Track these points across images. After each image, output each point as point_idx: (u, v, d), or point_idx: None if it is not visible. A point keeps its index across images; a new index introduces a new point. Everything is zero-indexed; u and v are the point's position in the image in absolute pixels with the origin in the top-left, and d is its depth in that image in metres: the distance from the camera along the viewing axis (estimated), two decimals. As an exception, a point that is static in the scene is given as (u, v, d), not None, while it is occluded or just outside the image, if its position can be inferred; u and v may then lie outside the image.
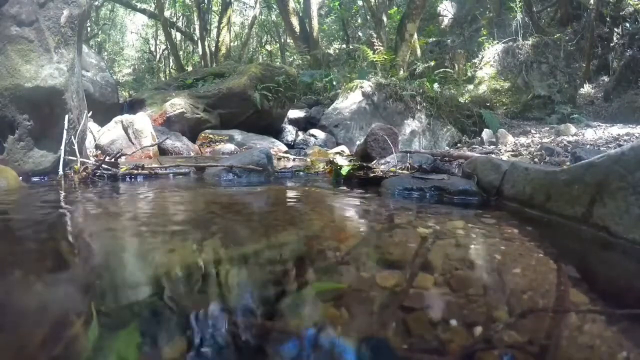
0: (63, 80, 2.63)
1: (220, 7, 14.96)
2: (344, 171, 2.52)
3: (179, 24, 17.53)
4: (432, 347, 0.65)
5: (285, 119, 7.85)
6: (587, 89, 9.55)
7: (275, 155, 4.37)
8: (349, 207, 1.89)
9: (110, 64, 17.76)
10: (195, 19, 15.94)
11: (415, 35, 10.38)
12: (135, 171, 2.67)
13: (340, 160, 2.87)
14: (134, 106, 6.41)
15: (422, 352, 0.64)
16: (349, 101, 7.32)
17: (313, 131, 7.14)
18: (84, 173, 2.53)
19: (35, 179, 2.60)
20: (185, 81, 7.55)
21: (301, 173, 3.02)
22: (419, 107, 7.16)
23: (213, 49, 14.57)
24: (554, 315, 0.74)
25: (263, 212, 1.80)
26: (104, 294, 0.87)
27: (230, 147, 5.42)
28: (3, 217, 1.64)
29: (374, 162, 3.14)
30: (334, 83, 9.61)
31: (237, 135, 5.98)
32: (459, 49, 11.54)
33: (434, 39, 12.73)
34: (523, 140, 5.80)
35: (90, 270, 1.02)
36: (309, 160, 4.17)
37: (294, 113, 8.25)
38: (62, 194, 2.18)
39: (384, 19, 11.83)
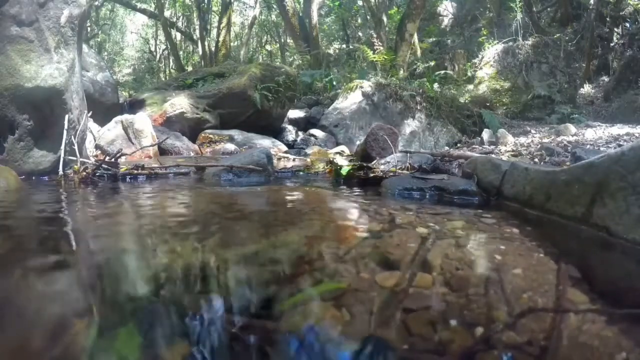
0: (63, 80, 2.63)
1: (220, 7, 14.95)
2: (344, 171, 2.52)
3: (179, 24, 17.52)
4: (432, 347, 0.65)
5: (285, 119, 7.84)
6: (587, 89, 9.55)
7: (276, 155, 4.37)
8: (349, 207, 1.89)
9: (110, 64, 17.74)
10: (195, 19, 15.94)
11: (416, 35, 10.38)
12: (135, 171, 2.67)
13: (340, 160, 2.87)
14: (134, 106, 6.41)
15: (422, 352, 0.64)
16: (349, 101, 7.32)
17: (313, 131, 7.13)
18: (84, 173, 2.53)
19: (37, 179, 2.60)
20: (185, 81, 7.54)
21: (301, 173, 3.02)
22: (418, 107, 7.16)
23: (213, 49, 14.57)
24: (553, 315, 0.74)
25: (263, 212, 1.80)
26: (104, 293, 0.87)
27: (230, 147, 5.42)
28: (3, 217, 1.64)
29: (374, 162, 3.14)
30: (334, 83, 9.61)
31: (237, 135, 5.98)
32: (459, 49, 11.54)
33: (434, 39, 12.73)
34: (523, 140, 5.79)
35: (89, 269, 1.02)
36: (309, 160, 4.17)
37: (294, 113, 8.25)
38: (62, 194, 2.18)
39: (384, 19, 11.84)
